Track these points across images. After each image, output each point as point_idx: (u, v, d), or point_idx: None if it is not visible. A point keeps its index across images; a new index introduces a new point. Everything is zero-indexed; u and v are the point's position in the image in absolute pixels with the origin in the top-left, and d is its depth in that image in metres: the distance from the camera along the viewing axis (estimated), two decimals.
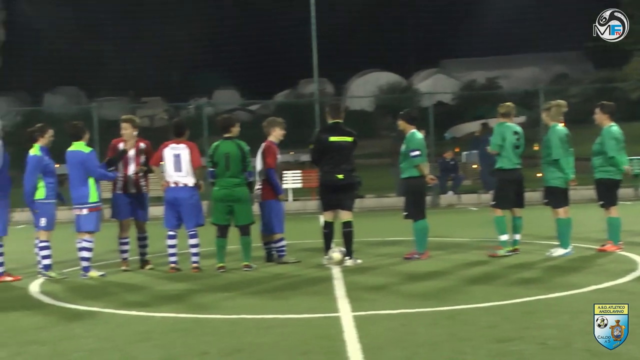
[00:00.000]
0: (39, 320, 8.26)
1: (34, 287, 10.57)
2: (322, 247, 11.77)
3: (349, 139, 11.64)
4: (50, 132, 11.47)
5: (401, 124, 12.26)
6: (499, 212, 11.99)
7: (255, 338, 6.95)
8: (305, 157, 34.06)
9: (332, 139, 11.58)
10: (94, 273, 11.22)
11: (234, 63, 53.93)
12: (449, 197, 25.02)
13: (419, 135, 12.13)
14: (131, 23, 52.54)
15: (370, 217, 20.61)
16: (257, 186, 11.98)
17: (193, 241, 11.46)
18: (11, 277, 11.26)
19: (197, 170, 11.48)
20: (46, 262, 11.26)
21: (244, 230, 11.51)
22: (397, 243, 13.97)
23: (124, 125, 12.02)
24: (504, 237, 11.93)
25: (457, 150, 32.74)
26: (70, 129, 11.40)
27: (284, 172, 21.05)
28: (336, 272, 10.78)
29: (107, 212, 19.94)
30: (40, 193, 11.22)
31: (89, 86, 57.49)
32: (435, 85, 60.94)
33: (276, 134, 12.20)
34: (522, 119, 41.23)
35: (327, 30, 33.59)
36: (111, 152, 11.97)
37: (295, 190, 25.22)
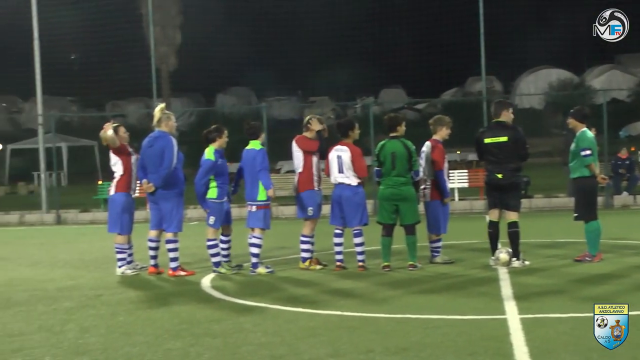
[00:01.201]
0: (211, 313, 8.56)
1: (206, 281, 10.96)
2: (488, 247, 11.59)
3: (503, 138, 11.37)
4: (226, 132, 11.78)
5: (571, 122, 11.90)
6: None
7: (421, 337, 6.93)
8: (472, 156, 33.58)
9: (487, 140, 11.43)
10: (262, 269, 11.47)
11: (401, 61, 53.89)
12: (623, 198, 24.06)
13: (590, 133, 11.74)
14: (296, 22, 53.41)
15: (539, 217, 20.10)
16: (423, 185, 11.92)
17: (358, 240, 11.51)
18: (185, 271, 11.68)
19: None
20: (215, 259, 11.59)
21: (410, 230, 11.48)
22: (568, 245, 13.55)
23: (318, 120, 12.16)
24: None
25: (632, 149, 31.34)
26: (247, 128, 11.71)
27: (450, 171, 20.84)
28: (502, 273, 10.60)
29: (286, 210, 20.42)
30: (212, 193, 11.53)
31: (259, 86, 59.00)
32: (610, 82, 58.50)
33: (442, 133, 12.10)
34: None
35: (495, 26, 32.95)
36: (305, 144, 11.76)
37: (461, 189, 24.93)
